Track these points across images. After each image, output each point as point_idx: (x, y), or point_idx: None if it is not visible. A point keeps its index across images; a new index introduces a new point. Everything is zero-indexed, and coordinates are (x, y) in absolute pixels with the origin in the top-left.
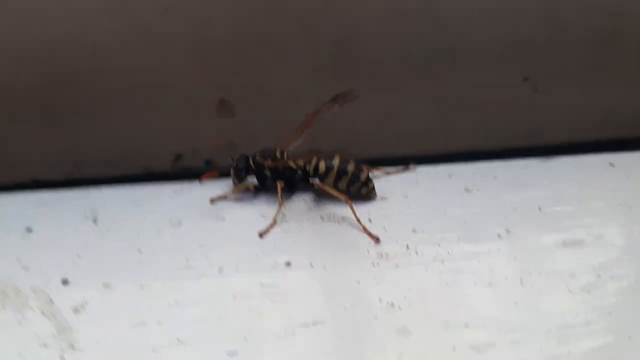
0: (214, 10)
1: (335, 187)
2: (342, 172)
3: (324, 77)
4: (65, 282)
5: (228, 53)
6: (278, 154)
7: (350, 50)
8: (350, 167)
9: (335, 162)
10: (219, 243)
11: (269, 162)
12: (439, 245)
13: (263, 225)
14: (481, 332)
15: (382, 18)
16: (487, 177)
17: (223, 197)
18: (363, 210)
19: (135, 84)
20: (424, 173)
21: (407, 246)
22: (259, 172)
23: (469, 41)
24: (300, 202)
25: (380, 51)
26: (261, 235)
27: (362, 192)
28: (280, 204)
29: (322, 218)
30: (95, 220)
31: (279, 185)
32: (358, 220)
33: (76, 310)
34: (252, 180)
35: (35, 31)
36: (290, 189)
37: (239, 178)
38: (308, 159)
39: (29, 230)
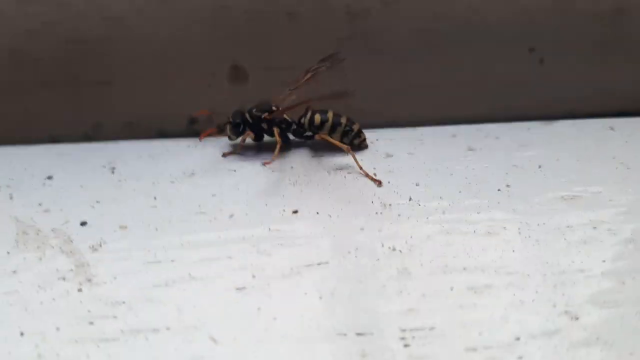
0: None
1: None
2: (336, 124)
3: (340, 50)
4: (83, 223)
5: (246, 23)
6: (274, 108)
7: (365, 24)
8: (343, 119)
9: (329, 114)
10: (230, 193)
11: (265, 115)
12: (440, 198)
13: (271, 177)
14: (479, 275)
15: None
16: (489, 137)
17: (233, 152)
18: (368, 165)
19: (153, 51)
20: (429, 133)
21: (410, 198)
22: (255, 126)
23: (478, 14)
24: (303, 155)
25: (394, 25)
26: (265, 164)
27: (354, 142)
28: (279, 142)
29: (327, 171)
30: (113, 170)
31: (276, 130)
32: (360, 167)
33: (93, 249)
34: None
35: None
36: (286, 142)
37: (236, 133)
38: (303, 113)
39: (49, 177)
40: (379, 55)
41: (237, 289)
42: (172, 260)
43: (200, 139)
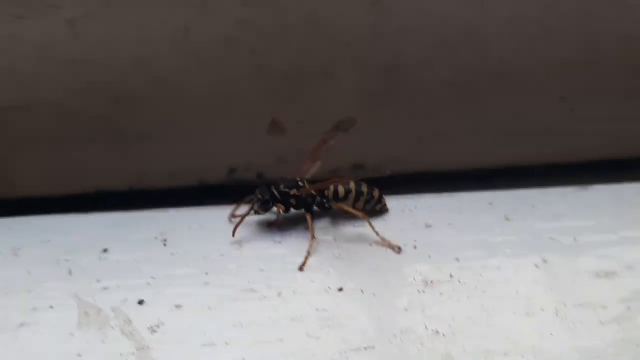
0: (271, 43)
1: (354, 207)
2: (359, 193)
3: (373, 102)
4: (141, 302)
5: (284, 80)
6: (301, 183)
7: (397, 77)
8: (365, 188)
9: (352, 185)
10: (277, 268)
11: (294, 192)
12: (480, 275)
13: (316, 249)
14: None
15: (428, 46)
16: (525, 206)
17: (276, 223)
18: (409, 237)
19: (195, 107)
20: (466, 200)
21: (451, 275)
22: (284, 202)
23: (510, 65)
24: (340, 223)
25: (426, 77)
26: (301, 268)
27: (376, 208)
28: (313, 236)
29: (370, 244)
30: (165, 243)
31: (309, 217)
32: (377, 233)
33: (152, 330)
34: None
35: (103, 58)
36: (311, 213)
37: (265, 209)
38: (327, 186)
39: (105, 251)
40: (412, 105)
41: None
42: (227, 344)
43: (233, 236)
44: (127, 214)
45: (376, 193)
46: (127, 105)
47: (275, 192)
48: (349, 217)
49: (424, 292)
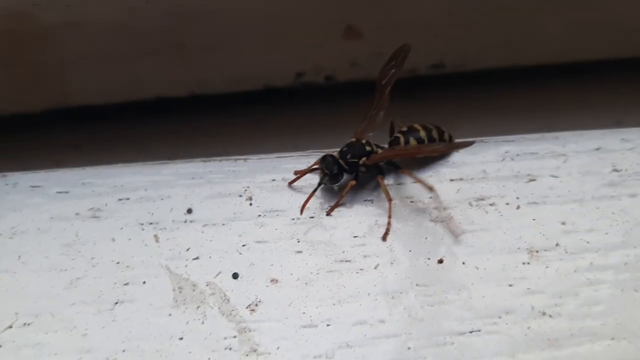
0: None
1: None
2: (431, 141)
3: (458, 7)
4: (235, 276)
5: None
6: (368, 147)
7: None
8: (435, 133)
9: (422, 134)
10: (371, 234)
11: (363, 160)
12: (587, 242)
13: (410, 216)
14: (627, 344)
15: None
16: (635, 152)
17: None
18: (511, 192)
19: (260, 17)
20: (571, 144)
21: (557, 243)
22: (352, 171)
23: None
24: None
25: None
26: (384, 238)
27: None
28: (390, 199)
29: (469, 202)
30: (250, 202)
31: (382, 182)
32: (417, 179)
33: (251, 310)
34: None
35: None
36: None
37: (334, 182)
38: (392, 140)
39: (189, 211)
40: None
41: None
42: (328, 325)
43: (301, 213)
44: (207, 163)
45: (446, 135)
46: (189, 18)
47: (343, 163)
48: None
49: (528, 264)
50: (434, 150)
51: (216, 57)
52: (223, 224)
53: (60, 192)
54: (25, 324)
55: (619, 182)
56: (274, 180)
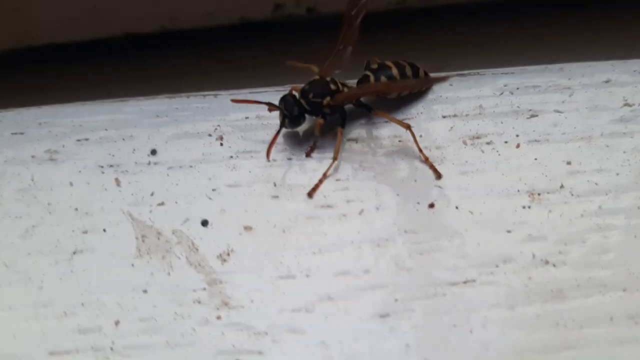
0: None
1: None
2: (403, 77)
3: None
4: (204, 223)
5: None
6: (333, 86)
7: None
8: (408, 70)
9: (394, 71)
10: (355, 178)
11: (328, 100)
12: (596, 184)
13: (391, 163)
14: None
15: None
16: None
17: (313, 148)
18: (509, 128)
19: None
20: (578, 76)
21: (562, 185)
22: (316, 112)
23: None
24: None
25: None
26: (309, 194)
27: (424, 88)
28: (336, 157)
29: (463, 141)
30: (221, 141)
31: (340, 134)
32: (420, 150)
33: (222, 259)
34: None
35: None
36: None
37: (296, 125)
38: (362, 77)
39: (153, 152)
40: None
41: (381, 316)
42: (307, 275)
43: (268, 158)
44: (172, 100)
45: (421, 72)
46: None
47: (304, 103)
48: None
49: (529, 207)
50: (405, 86)
51: None
52: (191, 166)
53: (15, 134)
54: None
55: (631, 118)
56: (247, 117)
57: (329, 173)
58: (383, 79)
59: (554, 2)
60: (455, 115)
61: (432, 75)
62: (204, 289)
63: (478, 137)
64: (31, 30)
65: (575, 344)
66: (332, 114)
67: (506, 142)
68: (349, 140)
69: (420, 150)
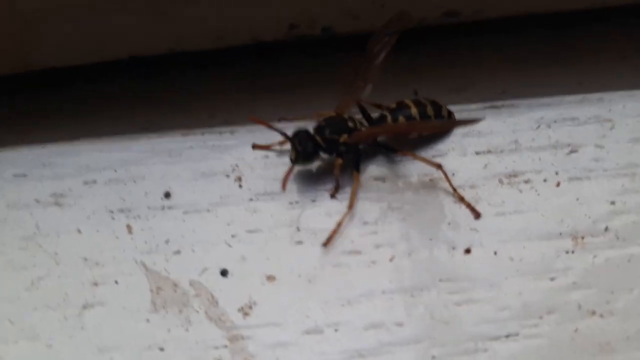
0: None
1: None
2: (425, 119)
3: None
4: (224, 273)
5: None
6: (351, 124)
7: None
8: (430, 110)
9: (414, 111)
10: (383, 223)
11: (344, 138)
12: None
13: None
14: None
15: None
16: None
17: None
18: (550, 169)
19: None
20: (619, 107)
21: (606, 227)
22: (331, 150)
23: None
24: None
25: None
26: (325, 244)
27: (446, 128)
28: (352, 205)
29: (500, 180)
30: (240, 183)
31: (356, 179)
32: (454, 189)
33: (244, 313)
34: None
35: None
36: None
37: (310, 161)
38: (378, 117)
39: (167, 195)
40: None
41: None
42: (336, 330)
43: (283, 188)
44: (186, 137)
45: (444, 111)
46: None
47: (320, 140)
48: None
49: (572, 252)
50: (427, 127)
51: (197, 8)
52: (208, 210)
53: (17, 175)
54: None
55: None
56: (266, 156)
57: (344, 222)
58: (401, 119)
59: (590, 19)
60: (489, 152)
61: (458, 117)
62: (225, 345)
63: (515, 175)
64: (31, 54)
65: None
66: (347, 152)
67: (545, 180)
68: (375, 179)
69: (454, 189)
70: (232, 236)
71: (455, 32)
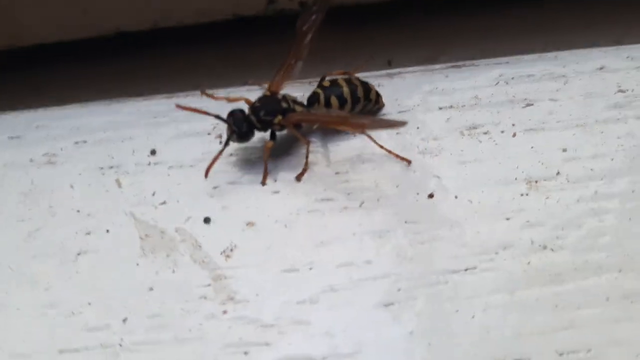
0: None
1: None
2: (355, 100)
3: None
4: (207, 220)
5: None
6: (285, 105)
7: None
8: (360, 91)
9: (345, 90)
10: (355, 171)
11: (279, 119)
12: (591, 170)
13: (405, 154)
14: (636, 280)
15: None
16: None
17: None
18: (506, 118)
19: None
20: (572, 64)
21: (558, 172)
22: (265, 129)
23: None
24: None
25: None
26: (298, 177)
27: (374, 109)
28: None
29: (460, 132)
30: (220, 139)
31: (305, 141)
32: (381, 146)
33: (226, 255)
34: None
35: None
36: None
37: (245, 140)
38: (312, 95)
39: (153, 152)
40: None
41: (385, 305)
42: (310, 268)
43: (206, 177)
44: (170, 100)
45: (373, 93)
46: None
47: (255, 121)
48: None
49: (527, 195)
50: (351, 125)
51: None
52: (191, 166)
53: (13, 138)
54: None
55: (625, 104)
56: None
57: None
58: (333, 99)
59: None
60: (451, 107)
61: (385, 118)
62: (209, 284)
63: (475, 128)
64: (21, 30)
65: (573, 324)
66: (280, 129)
67: (503, 131)
68: (346, 133)
69: (381, 147)
70: (214, 188)
71: (428, 5)
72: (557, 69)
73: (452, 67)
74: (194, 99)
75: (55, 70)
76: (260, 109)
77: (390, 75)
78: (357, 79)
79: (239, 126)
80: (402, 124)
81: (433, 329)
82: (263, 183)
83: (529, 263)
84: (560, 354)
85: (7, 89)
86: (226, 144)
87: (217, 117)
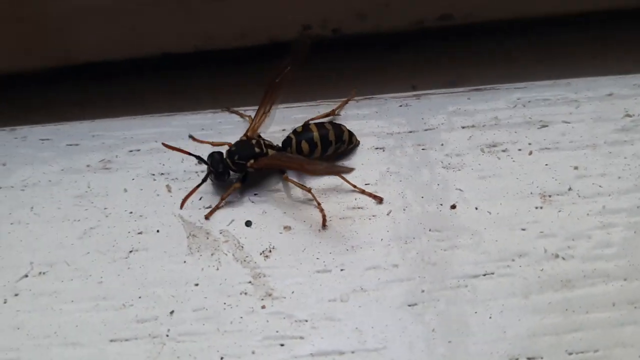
0: None
1: (324, 157)
2: (326, 143)
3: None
4: (248, 224)
5: None
6: (258, 150)
7: None
8: (331, 135)
9: (315, 135)
10: (384, 180)
11: (251, 163)
12: (600, 187)
13: (429, 168)
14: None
15: None
16: None
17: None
18: (523, 138)
19: None
20: (583, 90)
21: (570, 187)
22: (240, 172)
23: None
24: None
25: None
26: (323, 224)
27: (349, 148)
28: (309, 189)
29: (481, 149)
30: None
31: (309, 191)
32: (354, 186)
33: (265, 256)
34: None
35: None
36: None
37: (222, 180)
38: (286, 140)
39: (200, 162)
40: None
41: (409, 305)
42: (341, 270)
43: (181, 207)
44: (216, 114)
45: (345, 135)
46: None
47: (230, 163)
48: None
49: (541, 208)
50: (305, 170)
51: (221, 9)
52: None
53: (70, 145)
54: (40, 272)
55: (632, 127)
56: (283, 130)
57: (319, 201)
58: (304, 144)
59: (561, 21)
60: (473, 126)
61: (338, 165)
62: (250, 282)
63: (494, 146)
64: (73, 49)
65: (582, 327)
66: (255, 173)
67: (520, 149)
68: (376, 148)
69: (354, 186)
70: (255, 194)
71: (449, 33)
72: (570, 94)
73: (474, 90)
74: (236, 115)
75: (105, 88)
76: (234, 153)
77: (417, 97)
78: (331, 123)
79: (216, 167)
80: (349, 170)
81: (453, 328)
82: (207, 217)
83: (542, 270)
84: (570, 354)
85: (65, 100)
86: (203, 180)
87: (198, 157)
